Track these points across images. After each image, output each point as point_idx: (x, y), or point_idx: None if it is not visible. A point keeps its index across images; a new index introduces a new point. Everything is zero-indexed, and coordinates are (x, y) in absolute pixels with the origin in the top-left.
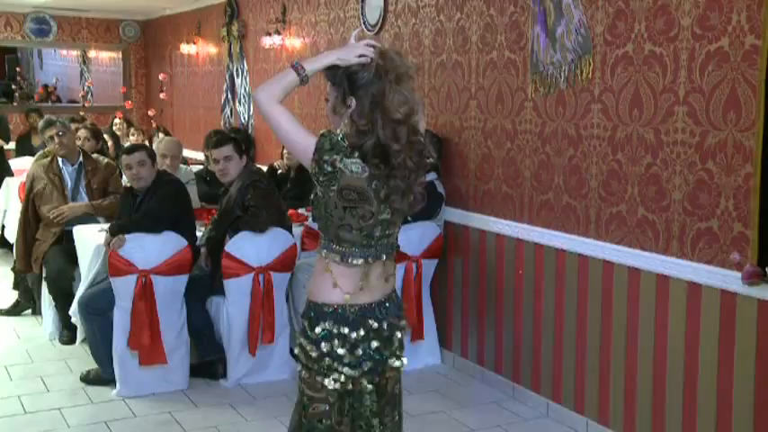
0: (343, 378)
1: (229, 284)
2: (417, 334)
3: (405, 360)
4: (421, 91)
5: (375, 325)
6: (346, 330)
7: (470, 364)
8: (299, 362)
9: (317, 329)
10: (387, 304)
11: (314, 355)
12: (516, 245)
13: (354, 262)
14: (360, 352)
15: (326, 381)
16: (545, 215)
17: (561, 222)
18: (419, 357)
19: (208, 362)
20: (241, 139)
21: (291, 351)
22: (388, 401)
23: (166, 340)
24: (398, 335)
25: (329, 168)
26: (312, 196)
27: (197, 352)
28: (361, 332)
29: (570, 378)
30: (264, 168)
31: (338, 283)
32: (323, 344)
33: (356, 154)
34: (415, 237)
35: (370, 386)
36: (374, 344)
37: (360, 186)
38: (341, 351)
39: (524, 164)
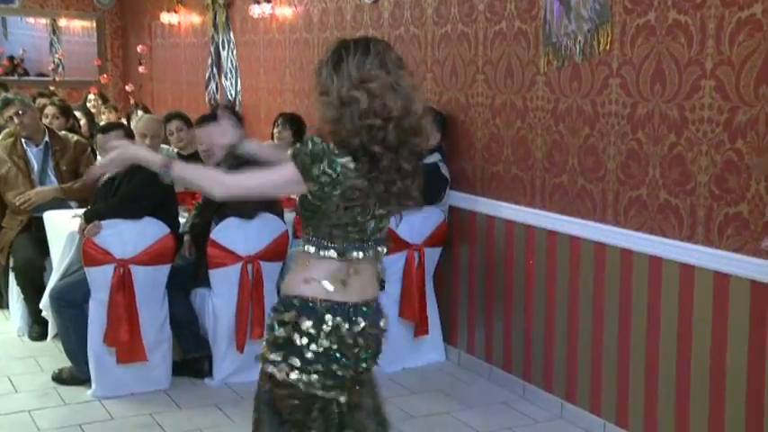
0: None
1: (215, 275)
2: (420, 329)
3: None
4: (423, 65)
5: (365, 324)
6: (345, 325)
7: (477, 362)
8: (276, 364)
9: (308, 323)
10: (375, 306)
11: (308, 355)
12: (527, 232)
13: (350, 257)
14: (344, 352)
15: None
16: (558, 199)
17: (576, 207)
18: (422, 354)
19: (192, 359)
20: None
21: None
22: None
23: (146, 336)
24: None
25: (329, 178)
26: (303, 198)
27: (180, 348)
28: (356, 328)
29: (586, 376)
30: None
31: (321, 278)
32: (313, 344)
33: (345, 151)
34: (417, 223)
35: (342, 398)
36: (356, 350)
37: (361, 184)
38: (326, 344)
39: (536, 144)
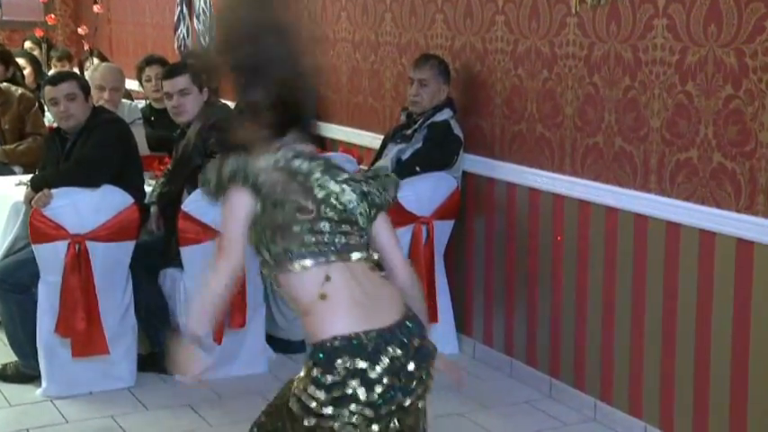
0: (356, 419)
1: (188, 253)
2: (429, 316)
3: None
4: (432, 4)
5: (398, 352)
6: (364, 365)
7: (496, 355)
8: (303, 411)
9: (331, 374)
10: (407, 323)
11: (328, 410)
12: (555, 202)
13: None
14: (378, 391)
15: (337, 424)
16: (592, 164)
17: (613, 173)
18: None
19: (161, 352)
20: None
21: (268, 337)
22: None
23: (107, 325)
24: (426, 374)
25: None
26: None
27: (147, 340)
28: (385, 362)
29: (624, 372)
30: (232, 105)
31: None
32: (337, 390)
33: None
34: (425, 192)
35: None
36: (390, 380)
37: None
38: (360, 393)
39: (566, 98)
